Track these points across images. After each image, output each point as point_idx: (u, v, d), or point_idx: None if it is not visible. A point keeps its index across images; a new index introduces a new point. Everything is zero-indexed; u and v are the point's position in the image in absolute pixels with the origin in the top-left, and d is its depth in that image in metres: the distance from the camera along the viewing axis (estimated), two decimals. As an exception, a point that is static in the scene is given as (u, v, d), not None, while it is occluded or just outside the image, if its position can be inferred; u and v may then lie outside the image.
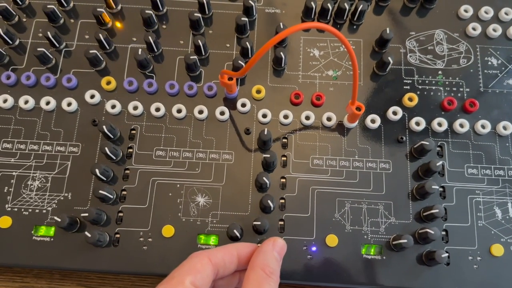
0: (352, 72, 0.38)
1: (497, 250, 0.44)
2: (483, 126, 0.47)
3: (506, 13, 0.51)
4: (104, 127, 0.44)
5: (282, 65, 0.49)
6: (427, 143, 0.44)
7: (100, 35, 0.48)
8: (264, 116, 0.47)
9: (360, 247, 0.44)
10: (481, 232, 0.44)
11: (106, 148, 0.43)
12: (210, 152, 0.46)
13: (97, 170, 0.43)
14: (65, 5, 0.51)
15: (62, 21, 0.51)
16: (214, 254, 0.35)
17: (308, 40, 0.51)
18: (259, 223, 0.42)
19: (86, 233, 0.41)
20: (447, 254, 0.42)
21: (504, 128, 0.47)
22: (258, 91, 0.48)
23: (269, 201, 0.43)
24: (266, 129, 0.44)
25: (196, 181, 0.45)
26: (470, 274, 0.43)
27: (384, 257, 0.43)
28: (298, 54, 0.50)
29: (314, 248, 0.43)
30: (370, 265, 0.43)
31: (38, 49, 0.47)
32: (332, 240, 0.44)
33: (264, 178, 0.43)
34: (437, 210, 0.42)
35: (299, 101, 0.48)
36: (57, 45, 0.49)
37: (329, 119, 0.47)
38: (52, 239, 0.44)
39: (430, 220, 0.44)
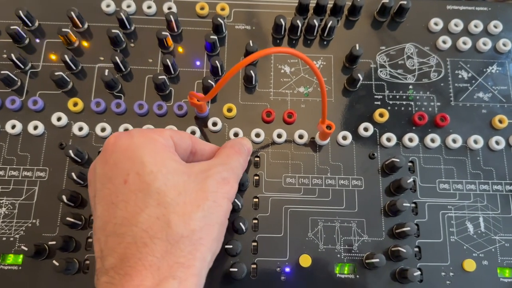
0: (321, 93, 0.38)
1: (469, 265, 0.44)
2: (454, 141, 0.47)
3: (475, 26, 0.51)
4: (70, 151, 0.43)
5: (253, 83, 0.48)
6: (398, 160, 0.44)
7: (66, 56, 0.46)
8: (236, 134, 0.47)
9: (333, 266, 0.44)
10: (454, 248, 0.44)
11: (73, 174, 0.42)
12: (181, 173, 0.46)
13: (64, 197, 0.42)
14: (30, 25, 0.49)
15: (27, 41, 0.49)
16: (194, 137, 0.39)
17: (279, 57, 0.50)
18: (230, 246, 0.42)
19: (54, 262, 0.41)
20: (419, 273, 0.42)
21: (475, 142, 0.47)
22: (229, 110, 0.48)
23: (241, 224, 0.42)
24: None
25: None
26: (443, 290, 0.43)
27: (357, 276, 0.43)
28: (269, 71, 0.50)
29: (287, 269, 0.43)
30: (344, 285, 0.43)
31: (2, 72, 0.46)
32: (305, 260, 0.43)
33: (236, 200, 0.42)
34: (408, 228, 0.42)
35: (271, 119, 0.47)
36: (22, 66, 0.48)
37: (301, 136, 0.47)
38: (20, 268, 0.43)
39: (402, 237, 0.44)
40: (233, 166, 0.37)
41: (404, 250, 0.42)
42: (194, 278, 0.31)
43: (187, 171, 0.33)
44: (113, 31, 0.48)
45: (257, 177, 0.46)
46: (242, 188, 0.45)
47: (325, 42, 0.51)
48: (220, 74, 0.49)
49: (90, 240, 0.43)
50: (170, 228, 0.30)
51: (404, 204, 0.43)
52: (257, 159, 0.47)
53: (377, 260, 0.41)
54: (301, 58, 0.34)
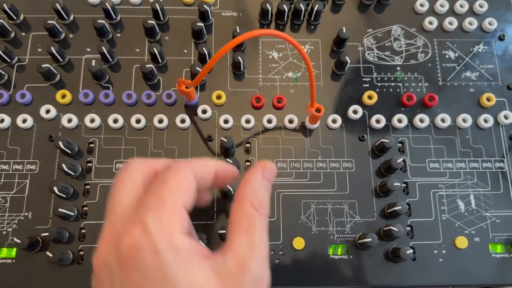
0: (308, 75, 0.38)
1: (461, 242, 0.44)
2: (443, 120, 0.48)
3: (461, 6, 0.52)
4: (60, 143, 0.43)
5: (242, 69, 0.48)
6: (387, 140, 0.44)
7: (52, 48, 0.46)
8: (226, 121, 0.47)
9: (327, 248, 0.44)
10: (445, 226, 0.45)
11: (64, 165, 0.42)
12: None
13: (55, 188, 0.42)
14: (15, 18, 0.49)
15: (12, 34, 0.49)
16: (196, 169, 0.31)
17: (267, 42, 0.50)
18: (224, 231, 0.42)
19: (48, 253, 0.41)
20: (411, 251, 0.42)
21: (464, 120, 0.48)
22: (219, 97, 0.48)
23: (233, 209, 0.42)
24: (227, 136, 0.44)
25: (160, 192, 0.45)
26: (436, 268, 0.44)
27: (351, 256, 0.44)
28: (257, 57, 0.50)
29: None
30: (338, 266, 0.43)
31: (-12, 65, 0.46)
32: (299, 243, 0.44)
33: (227, 185, 0.43)
34: (399, 207, 0.43)
35: (260, 105, 0.47)
36: (9, 60, 0.48)
37: (291, 121, 0.47)
38: (14, 261, 0.43)
39: (394, 217, 0.44)
40: (262, 251, 0.29)
41: (396, 229, 0.42)
42: None
43: (220, 284, 0.27)
44: (99, 21, 0.47)
45: (248, 163, 0.46)
46: (233, 174, 0.45)
47: (312, 27, 0.51)
48: (207, 61, 0.48)
49: (83, 231, 0.43)
50: None
51: (395, 184, 0.43)
52: (248, 145, 0.47)
53: (370, 239, 0.42)
54: (287, 40, 0.34)
